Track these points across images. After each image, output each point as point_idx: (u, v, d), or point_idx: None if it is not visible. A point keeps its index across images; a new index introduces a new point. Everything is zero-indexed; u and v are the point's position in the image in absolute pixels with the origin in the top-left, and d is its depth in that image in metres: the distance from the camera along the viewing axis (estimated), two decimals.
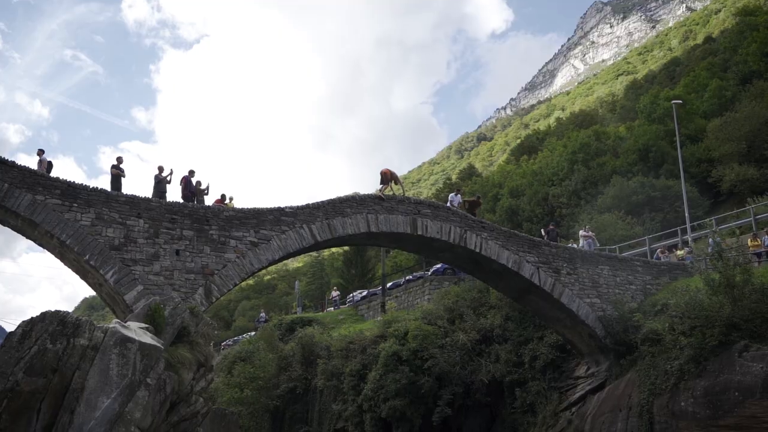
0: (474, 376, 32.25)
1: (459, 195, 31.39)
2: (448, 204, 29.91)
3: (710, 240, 28.42)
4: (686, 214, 38.34)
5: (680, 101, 46.55)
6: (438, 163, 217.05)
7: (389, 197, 26.23)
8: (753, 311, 22.78)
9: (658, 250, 35.53)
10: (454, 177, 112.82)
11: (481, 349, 32.99)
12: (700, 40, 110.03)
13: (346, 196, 25.78)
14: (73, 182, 21.18)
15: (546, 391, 30.29)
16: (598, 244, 36.61)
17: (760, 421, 20.95)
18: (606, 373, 28.30)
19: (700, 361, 23.28)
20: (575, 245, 33.61)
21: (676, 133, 42.25)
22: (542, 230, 35.06)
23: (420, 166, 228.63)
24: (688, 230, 38.00)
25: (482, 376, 31.96)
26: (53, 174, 22.05)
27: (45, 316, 15.18)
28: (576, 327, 28.58)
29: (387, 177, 27.20)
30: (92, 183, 22.07)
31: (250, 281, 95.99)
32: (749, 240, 31.16)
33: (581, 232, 36.17)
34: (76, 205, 20.82)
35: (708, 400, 22.48)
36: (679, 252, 34.71)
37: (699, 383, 23.02)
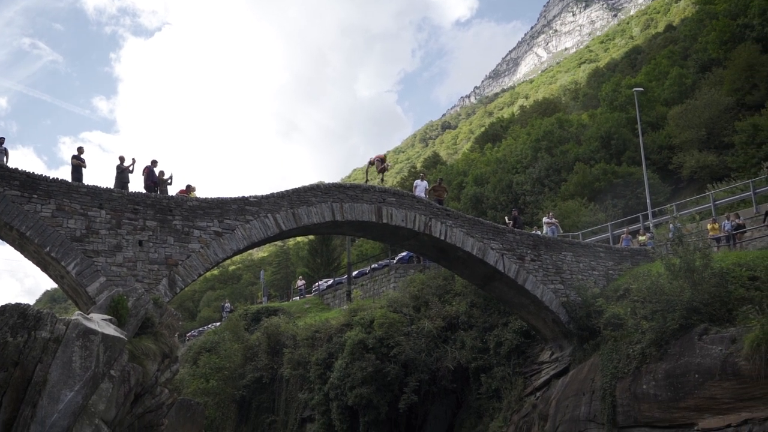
0: (440, 363, 32.44)
1: (425, 181, 31.48)
2: (414, 190, 29.99)
3: (671, 226, 28.84)
4: (648, 200, 38.88)
5: (641, 89, 47.05)
6: (403, 152, 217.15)
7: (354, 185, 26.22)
8: (712, 295, 23.21)
9: (623, 234, 36.03)
10: (419, 165, 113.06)
11: (446, 336, 33.20)
12: (661, 28, 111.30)
13: (311, 185, 25.69)
14: (33, 173, 20.82)
15: (511, 376, 30.59)
16: (562, 231, 37.00)
17: (720, 402, 21.39)
18: (570, 358, 28.67)
19: (661, 344, 23.68)
20: (539, 232, 33.91)
21: (638, 120, 42.78)
22: (506, 218, 35.30)
23: (385, 155, 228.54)
24: (650, 216, 38.55)
25: (448, 363, 32.16)
26: (9, 164, 21.68)
27: (5, 309, 14.96)
28: (540, 313, 28.87)
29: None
30: (52, 174, 21.80)
31: (215, 271, 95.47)
32: (709, 225, 31.68)
33: (545, 219, 36.53)
34: (36, 196, 20.48)
35: (669, 383, 22.88)
36: (640, 237, 35.19)
37: (660, 366, 23.41)
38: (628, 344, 25.04)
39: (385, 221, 26.15)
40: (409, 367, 32.38)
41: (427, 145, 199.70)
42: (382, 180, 26.59)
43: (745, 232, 30.41)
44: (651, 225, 37.53)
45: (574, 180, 50.90)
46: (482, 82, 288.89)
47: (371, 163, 27.10)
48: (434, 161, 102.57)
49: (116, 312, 18.38)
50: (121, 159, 24.41)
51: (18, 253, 22.09)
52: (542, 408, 28.42)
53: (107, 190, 21.95)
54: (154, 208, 22.35)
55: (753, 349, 20.22)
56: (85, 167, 23.32)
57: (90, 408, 14.67)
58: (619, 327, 26.07)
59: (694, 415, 22.15)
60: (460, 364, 32.13)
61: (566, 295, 28.66)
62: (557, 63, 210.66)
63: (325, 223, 25.42)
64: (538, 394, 29.43)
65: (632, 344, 24.83)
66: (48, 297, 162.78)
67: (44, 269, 22.06)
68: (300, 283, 60.84)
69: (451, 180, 68.06)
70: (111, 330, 15.81)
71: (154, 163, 25.17)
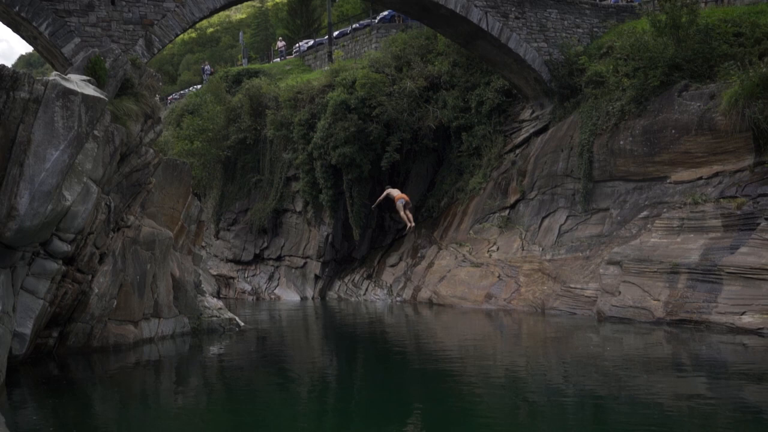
0: (421, 123, 32.76)
1: None
2: None
3: None
4: None
5: None
6: None
7: None
8: (695, 51, 23.19)
9: None
10: None
11: (428, 96, 33.25)
12: None
13: None
14: None
15: (491, 134, 31.07)
16: None
17: (693, 156, 22.05)
18: (550, 116, 29.02)
19: (641, 101, 23.96)
20: None
21: None
22: None
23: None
24: None
25: (429, 122, 32.49)
26: None
27: None
28: (522, 71, 28.80)
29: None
30: None
31: (193, 34, 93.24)
32: None
33: None
34: None
35: (646, 138, 23.43)
36: None
37: (638, 123, 23.84)
38: (608, 101, 25.29)
39: None
40: (391, 127, 32.68)
41: None
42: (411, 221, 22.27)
43: None
44: None
45: None
46: None
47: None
48: None
49: (94, 73, 18.12)
50: None
51: None
52: (521, 164, 29.18)
53: None
54: None
55: (731, 104, 20.54)
56: None
57: (77, 167, 14.89)
58: (600, 85, 26.18)
59: (668, 168, 22.90)
60: (442, 124, 32.48)
61: (549, 54, 28.46)
62: None
63: None
64: (517, 151, 30.09)
65: (612, 101, 25.09)
66: (23, 62, 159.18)
67: (16, 30, 21.45)
68: (280, 44, 59.61)
69: None
70: (90, 90, 15.65)
71: None
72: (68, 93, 14.75)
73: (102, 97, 15.71)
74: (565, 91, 28.13)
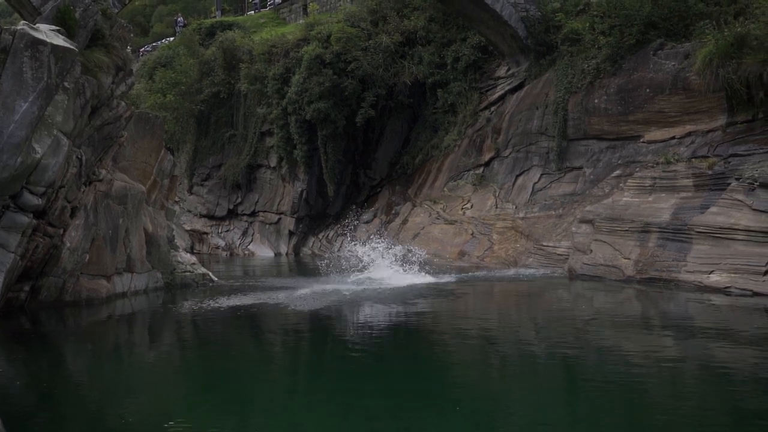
0: (397, 78, 32.60)
1: None
2: None
3: None
4: None
5: None
6: None
7: None
8: (672, 9, 23.19)
9: None
10: None
11: (404, 52, 33.04)
12: None
13: None
14: None
15: (467, 91, 31.02)
16: None
17: (666, 115, 22.19)
18: (525, 74, 28.99)
19: (616, 59, 24.00)
20: None
21: None
22: None
23: None
24: None
25: (405, 78, 32.34)
26: None
27: None
28: (499, 28, 28.65)
29: None
30: None
31: None
32: None
33: None
34: None
35: (620, 97, 23.52)
36: None
37: (613, 81, 23.91)
38: (584, 59, 25.31)
39: None
40: (366, 82, 32.51)
41: None
42: None
43: None
44: None
45: None
46: None
47: None
48: None
49: (63, 23, 17.71)
50: None
51: None
52: (496, 122, 29.19)
53: None
54: None
55: (705, 63, 20.58)
56: None
57: (47, 119, 14.67)
58: (576, 42, 26.18)
59: (641, 128, 23.05)
60: (417, 80, 32.35)
61: (526, 10, 28.30)
62: None
63: None
64: (492, 108, 30.08)
65: (588, 59, 25.11)
66: None
67: None
68: None
69: None
70: (60, 41, 15.33)
71: None
72: (37, 43, 14.47)
73: (72, 47, 15.42)
74: (541, 49, 28.08)
